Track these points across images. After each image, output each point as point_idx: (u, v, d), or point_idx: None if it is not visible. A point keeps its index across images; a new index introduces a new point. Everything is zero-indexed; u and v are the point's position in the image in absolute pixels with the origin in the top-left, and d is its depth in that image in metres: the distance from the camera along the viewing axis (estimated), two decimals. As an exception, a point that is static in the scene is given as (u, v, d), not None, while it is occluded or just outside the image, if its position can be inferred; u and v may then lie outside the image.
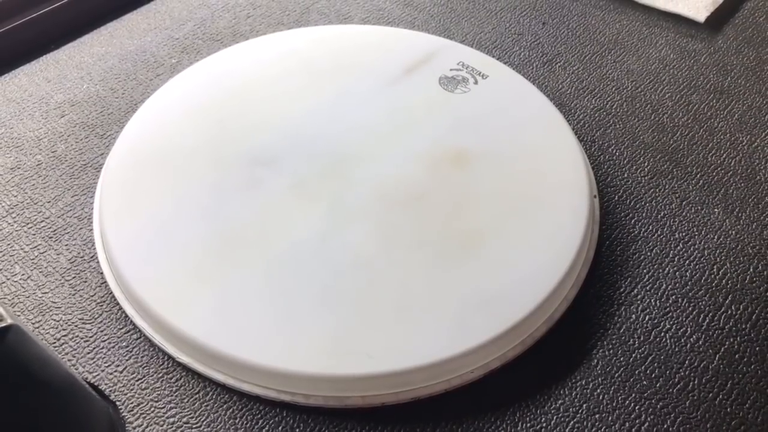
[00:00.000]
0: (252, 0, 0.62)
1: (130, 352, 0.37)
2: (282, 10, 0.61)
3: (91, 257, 0.42)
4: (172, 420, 0.35)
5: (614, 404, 0.35)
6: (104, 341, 0.38)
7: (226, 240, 0.39)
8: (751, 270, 0.41)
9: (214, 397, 0.36)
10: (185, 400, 0.35)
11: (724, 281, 0.41)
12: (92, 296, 0.40)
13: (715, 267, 0.41)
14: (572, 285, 0.39)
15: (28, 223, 0.44)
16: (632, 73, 0.54)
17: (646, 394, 0.36)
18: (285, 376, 0.34)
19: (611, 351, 0.37)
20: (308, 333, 0.35)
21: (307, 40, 0.53)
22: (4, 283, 0.40)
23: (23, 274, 0.41)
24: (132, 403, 0.35)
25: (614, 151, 0.48)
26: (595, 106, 0.51)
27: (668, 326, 0.38)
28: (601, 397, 0.36)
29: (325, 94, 0.48)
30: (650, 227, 0.43)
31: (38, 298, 0.40)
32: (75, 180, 0.46)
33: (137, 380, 0.36)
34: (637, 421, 0.35)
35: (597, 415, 0.35)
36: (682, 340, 0.38)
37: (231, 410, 0.35)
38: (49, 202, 0.45)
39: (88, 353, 0.37)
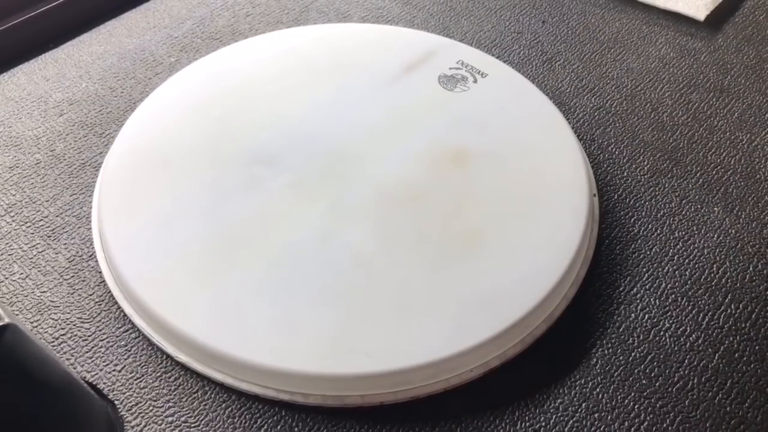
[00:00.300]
0: (251, -2, 0.62)
1: (129, 351, 0.37)
2: (281, 8, 0.61)
3: (90, 256, 0.42)
4: (170, 419, 0.35)
5: (613, 403, 0.35)
6: (103, 340, 0.38)
7: (225, 239, 0.39)
8: (751, 269, 0.41)
9: (212, 396, 0.36)
10: (184, 399, 0.35)
11: (723, 280, 0.40)
12: (91, 295, 0.40)
13: (714, 266, 0.41)
14: (572, 283, 0.39)
15: (26, 222, 0.44)
16: (632, 71, 0.54)
17: (645, 393, 0.36)
18: (284, 375, 0.34)
19: (610, 350, 0.37)
20: (307, 332, 0.35)
21: (307, 38, 0.53)
22: (2, 282, 0.40)
23: (21, 273, 0.41)
24: (130, 402, 0.35)
25: (614, 150, 0.48)
26: (595, 104, 0.51)
27: (668, 325, 0.38)
28: (600, 396, 0.36)
29: (324, 92, 0.48)
30: (650, 226, 0.43)
31: (36, 297, 0.40)
32: (74, 179, 0.46)
33: (136, 379, 0.36)
34: (636, 420, 0.35)
35: (596, 414, 0.35)
36: (682, 339, 0.38)
37: (230, 409, 0.35)
38: (47, 200, 0.45)
39: (87, 352, 0.37)
